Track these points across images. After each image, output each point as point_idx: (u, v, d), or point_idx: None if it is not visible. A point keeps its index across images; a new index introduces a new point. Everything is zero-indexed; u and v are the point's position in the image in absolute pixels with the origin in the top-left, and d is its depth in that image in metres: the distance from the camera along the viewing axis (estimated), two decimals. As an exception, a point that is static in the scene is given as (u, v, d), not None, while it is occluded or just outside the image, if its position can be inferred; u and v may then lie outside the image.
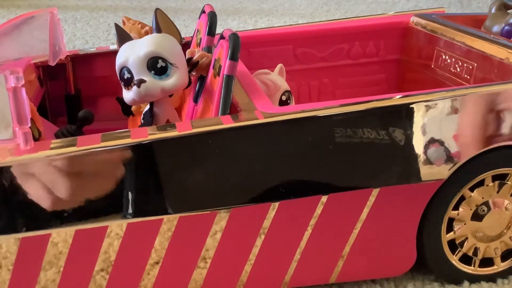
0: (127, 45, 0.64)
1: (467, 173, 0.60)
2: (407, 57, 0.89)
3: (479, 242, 0.63)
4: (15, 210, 0.53)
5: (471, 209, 0.62)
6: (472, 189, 0.61)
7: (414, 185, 0.58)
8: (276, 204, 0.56)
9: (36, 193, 0.53)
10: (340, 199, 0.57)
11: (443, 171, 0.58)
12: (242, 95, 0.60)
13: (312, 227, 0.58)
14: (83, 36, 1.84)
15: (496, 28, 0.81)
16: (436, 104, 0.58)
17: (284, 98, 0.72)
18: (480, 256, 0.64)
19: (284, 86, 0.72)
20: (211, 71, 0.65)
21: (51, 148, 0.53)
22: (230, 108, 0.58)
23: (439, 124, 0.58)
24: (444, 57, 0.81)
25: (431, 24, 0.84)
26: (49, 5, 2.32)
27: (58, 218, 0.53)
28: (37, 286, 0.56)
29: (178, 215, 0.55)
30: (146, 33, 0.79)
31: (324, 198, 0.57)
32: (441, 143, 0.58)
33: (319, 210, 0.57)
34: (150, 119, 0.65)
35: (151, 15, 0.74)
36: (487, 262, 0.65)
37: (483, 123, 0.59)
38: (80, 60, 0.83)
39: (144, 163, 0.54)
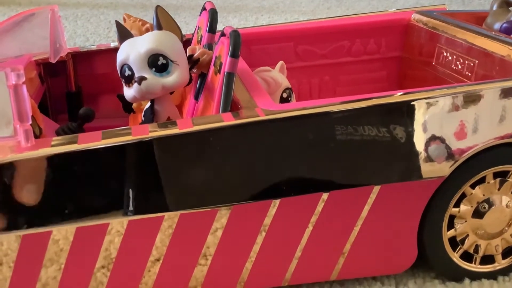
0: (128, 42, 0.64)
1: (468, 170, 0.60)
2: (408, 54, 0.89)
3: (480, 239, 0.63)
4: (17, 207, 0.53)
5: (472, 206, 0.62)
6: (473, 186, 0.61)
7: (415, 183, 0.58)
8: (277, 201, 0.56)
9: (37, 190, 0.53)
10: (341, 197, 0.57)
11: (444, 168, 0.58)
12: (243, 93, 0.60)
13: (313, 224, 0.58)
14: (83, 33, 1.84)
15: (498, 25, 0.81)
16: (437, 101, 0.58)
17: (285, 95, 0.72)
18: (481, 253, 0.64)
19: (285, 83, 0.72)
20: (212, 68, 0.65)
21: (52, 146, 0.53)
22: (231, 105, 0.58)
23: (440, 121, 0.58)
24: (445, 54, 0.81)
25: (433, 21, 0.84)
26: (49, 2, 2.31)
27: (59, 215, 0.54)
28: (38, 283, 0.56)
29: (179, 212, 0.55)
30: (147, 30, 0.79)
31: (325, 195, 0.57)
32: (442, 140, 0.58)
33: (320, 207, 0.57)
34: (151, 116, 0.65)
35: (151, 12, 0.74)
36: (488, 259, 0.65)
37: (484, 120, 0.59)
38: (81, 58, 0.83)
39: (145, 160, 0.54)
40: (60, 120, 0.82)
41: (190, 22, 1.93)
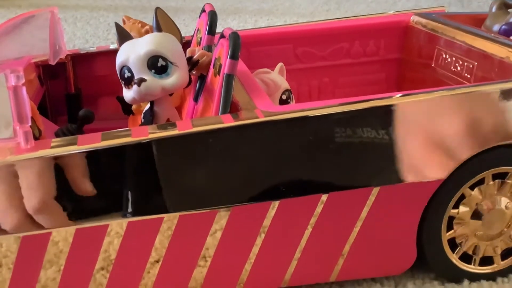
0: (127, 44, 0.64)
1: (467, 172, 0.60)
2: (408, 56, 0.89)
3: (479, 240, 0.63)
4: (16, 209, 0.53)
5: (471, 208, 0.62)
6: (472, 188, 0.61)
7: (414, 184, 0.58)
8: (276, 202, 0.56)
9: (36, 192, 0.53)
10: (340, 198, 0.57)
11: (443, 170, 0.58)
12: (243, 94, 0.60)
13: (312, 225, 0.58)
14: (83, 35, 1.84)
15: (497, 27, 0.82)
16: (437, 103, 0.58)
17: (284, 97, 0.72)
18: (480, 254, 0.64)
19: (284, 85, 0.72)
20: (211, 70, 0.65)
21: (52, 147, 0.53)
22: (230, 107, 0.59)
23: (440, 123, 0.58)
24: (444, 56, 0.81)
25: (432, 23, 0.84)
26: (49, 4, 2.31)
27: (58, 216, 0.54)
28: (38, 285, 0.56)
29: (178, 214, 0.55)
30: (147, 32, 0.79)
31: (324, 197, 0.57)
32: (441, 141, 0.58)
33: (319, 208, 0.57)
34: (150, 118, 0.65)
35: (151, 14, 0.74)
36: (487, 260, 0.65)
37: (483, 122, 0.59)
38: (81, 59, 0.83)
39: (144, 162, 0.54)
40: (60, 122, 0.82)
41: (190, 24, 1.94)
